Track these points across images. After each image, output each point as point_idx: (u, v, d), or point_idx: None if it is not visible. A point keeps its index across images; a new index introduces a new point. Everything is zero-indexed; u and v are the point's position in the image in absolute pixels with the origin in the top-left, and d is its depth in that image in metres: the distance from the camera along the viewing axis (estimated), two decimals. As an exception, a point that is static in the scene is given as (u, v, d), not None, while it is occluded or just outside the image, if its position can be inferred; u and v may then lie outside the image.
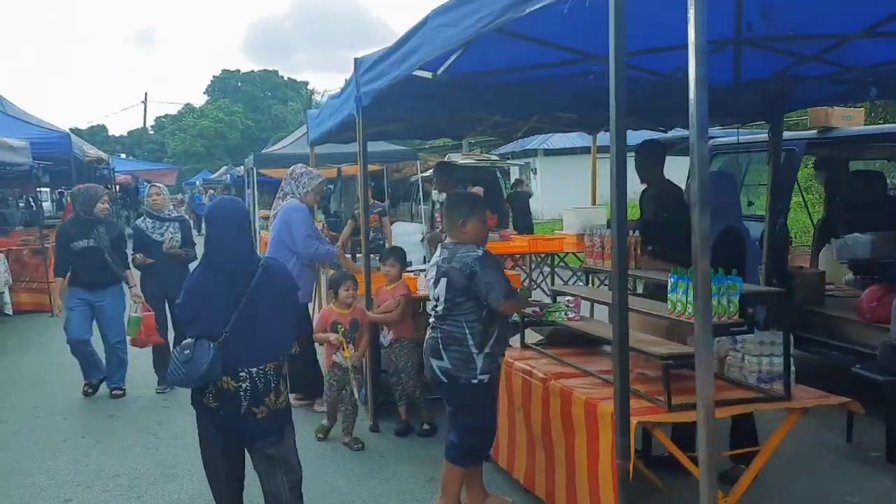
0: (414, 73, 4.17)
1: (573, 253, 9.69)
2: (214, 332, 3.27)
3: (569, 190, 24.67)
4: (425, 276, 4.40)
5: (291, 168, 6.52)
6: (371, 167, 18.60)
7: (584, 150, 26.66)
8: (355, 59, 5.48)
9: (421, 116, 7.05)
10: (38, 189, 16.66)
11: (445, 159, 15.03)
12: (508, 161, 22.59)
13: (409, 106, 5.88)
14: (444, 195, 7.42)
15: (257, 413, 3.34)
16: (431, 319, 4.10)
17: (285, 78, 65.53)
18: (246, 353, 3.31)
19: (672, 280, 3.58)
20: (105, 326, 6.91)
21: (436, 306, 4.05)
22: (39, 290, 11.51)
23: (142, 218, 7.29)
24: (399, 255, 5.99)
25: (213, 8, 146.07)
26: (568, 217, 9.53)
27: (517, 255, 9.70)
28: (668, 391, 3.37)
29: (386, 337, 5.74)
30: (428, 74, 4.30)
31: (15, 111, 14.15)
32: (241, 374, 3.29)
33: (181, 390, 6.38)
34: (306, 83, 66.33)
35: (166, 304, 6.89)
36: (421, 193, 18.67)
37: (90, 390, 7.00)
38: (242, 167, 22.29)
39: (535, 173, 26.91)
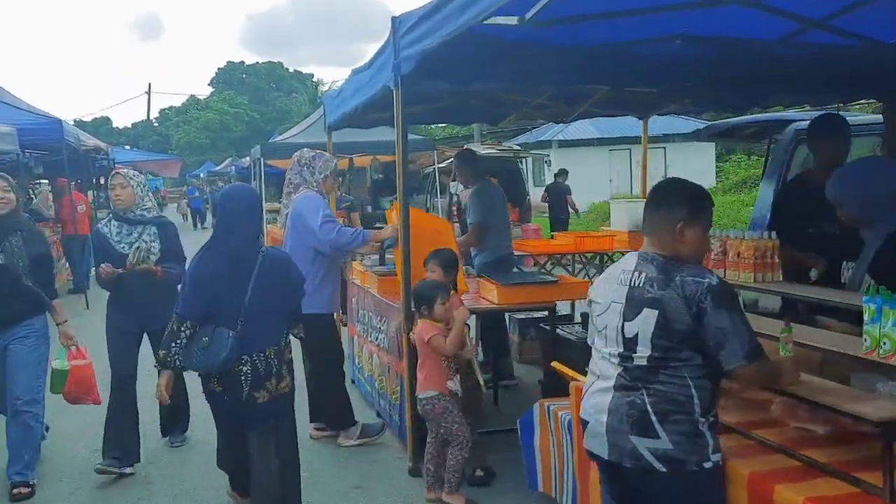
0: (487, 21, 3.05)
1: (622, 252, 8.59)
2: (228, 320, 3.37)
3: (585, 182, 23.78)
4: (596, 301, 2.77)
5: (297, 155, 5.42)
6: (382, 157, 17.61)
7: (601, 142, 26.45)
8: (393, 19, 4.46)
9: (450, 97, 6.03)
10: (32, 182, 15.53)
11: (464, 148, 14.05)
12: (533, 152, 21.69)
13: (456, 78, 4.76)
14: (462, 187, 6.40)
15: (258, 398, 3.46)
16: (618, 371, 2.59)
17: (290, 70, 64.55)
18: (250, 340, 3.41)
19: (872, 307, 2.52)
20: (11, 379, 4.66)
21: (626, 353, 2.56)
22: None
23: (106, 220, 5.16)
24: (444, 258, 4.67)
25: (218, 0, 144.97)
26: (617, 211, 8.47)
27: (558, 256, 8.50)
28: (890, 475, 2.27)
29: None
30: (512, 20, 3.08)
31: (4, 96, 13.10)
32: (242, 358, 3.41)
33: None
34: (311, 75, 65.41)
35: (142, 343, 4.99)
36: (437, 185, 17.68)
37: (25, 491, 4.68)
38: (248, 158, 21.30)
39: (549, 165, 26.06)
